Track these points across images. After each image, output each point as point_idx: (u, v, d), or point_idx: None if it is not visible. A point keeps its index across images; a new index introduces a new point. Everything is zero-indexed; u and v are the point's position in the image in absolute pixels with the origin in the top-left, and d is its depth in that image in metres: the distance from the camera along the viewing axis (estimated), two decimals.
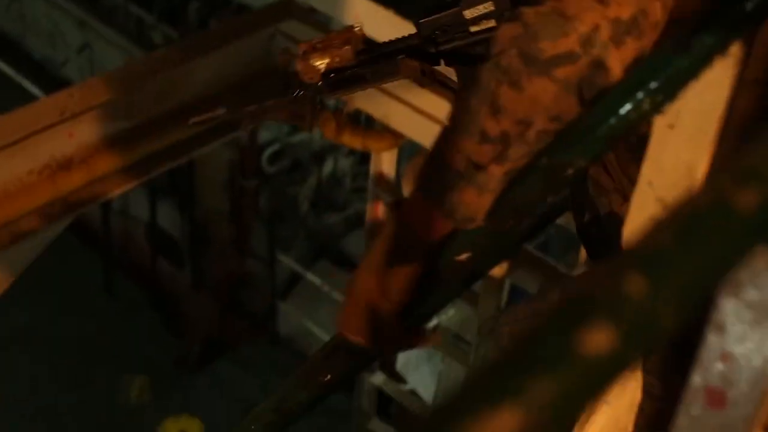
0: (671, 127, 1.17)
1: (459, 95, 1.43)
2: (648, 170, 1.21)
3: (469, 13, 1.61)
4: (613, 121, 1.19)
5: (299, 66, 1.79)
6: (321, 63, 1.80)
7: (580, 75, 1.30)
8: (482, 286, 3.31)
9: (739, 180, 0.67)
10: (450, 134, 1.40)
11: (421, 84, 1.75)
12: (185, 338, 6.34)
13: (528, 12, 1.34)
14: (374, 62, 1.76)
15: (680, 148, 1.18)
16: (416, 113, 3.30)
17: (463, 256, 1.40)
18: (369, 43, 1.79)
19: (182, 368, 6.22)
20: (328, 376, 1.67)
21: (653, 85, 1.15)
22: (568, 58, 1.30)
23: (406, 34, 1.73)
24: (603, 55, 1.31)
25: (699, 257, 0.65)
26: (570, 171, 1.25)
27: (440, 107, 3.10)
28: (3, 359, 6.23)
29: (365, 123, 3.95)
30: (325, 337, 5.73)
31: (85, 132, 3.26)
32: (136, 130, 3.38)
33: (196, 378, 6.13)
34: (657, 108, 1.16)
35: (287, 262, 5.88)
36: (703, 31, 1.11)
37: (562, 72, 1.30)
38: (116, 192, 3.34)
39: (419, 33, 1.71)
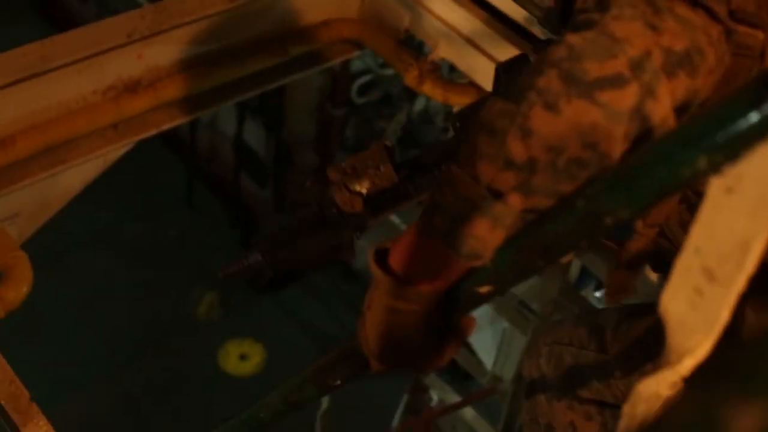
0: (729, 191, 0.99)
1: (480, 116, 1.26)
2: (697, 235, 1.03)
3: None
4: (662, 173, 1.01)
5: (338, 197, 1.60)
6: (361, 188, 1.60)
7: (626, 102, 1.19)
8: None
9: None
10: (467, 158, 1.25)
11: None
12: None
13: (573, 36, 1.20)
14: (415, 176, 1.61)
15: (737, 216, 0.99)
16: None
17: (485, 289, 1.24)
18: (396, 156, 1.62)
19: (254, 288, 6.15)
20: (338, 381, 1.60)
21: (714, 140, 0.97)
22: (616, 81, 1.19)
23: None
24: (654, 83, 1.19)
25: None
26: (609, 220, 1.07)
27: None
28: (81, 258, 6.25)
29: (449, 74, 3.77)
30: None
31: (155, 55, 3.12)
32: (208, 58, 3.24)
33: (266, 301, 6.07)
34: (715, 168, 0.98)
35: None
36: None
37: (606, 96, 1.18)
38: (180, 121, 3.21)
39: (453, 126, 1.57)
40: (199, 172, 6.57)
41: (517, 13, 3.02)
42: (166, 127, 3.21)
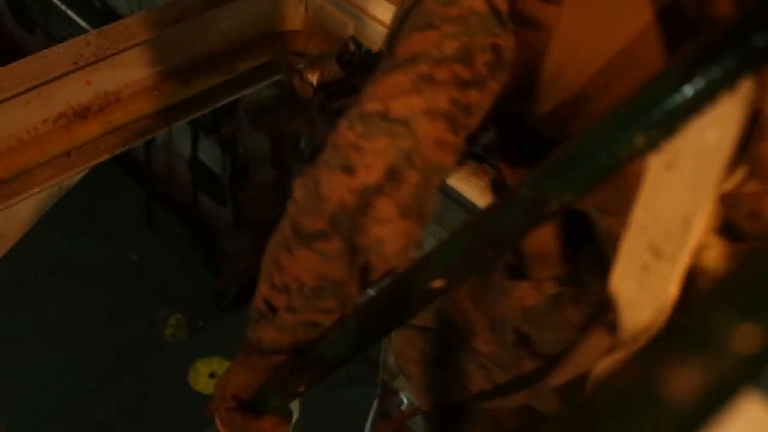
0: (668, 167, 1.01)
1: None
2: (640, 213, 1.05)
3: None
4: (601, 155, 1.03)
5: (295, 83, 1.85)
6: (313, 77, 1.87)
7: (335, 247, 1.47)
8: None
9: None
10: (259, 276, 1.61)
11: None
12: (223, 276, 6.26)
13: (299, 184, 1.51)
14: (361, 72, 1.71)
15: (677, 191, 1.02)
16: None
17: (438, 283, 1.26)
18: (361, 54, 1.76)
19: (218, 306, 6.14)
20: (302, 387, 1.60)
21: (649, 117, 0.98)
22: (322, 235, 1.47)
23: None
24: (352, 226, 1.45)
25: None
26: (553, 205, 1.09)
27: None
28: (42, 288, 6.21)
29: None
30: None
31: (103, 80, 3.12)
32: (156, 80, 3.24)
33: (232, 318, 6.06)
34: (652, 145, 0.99)
35: None
36: (709, 62, 0.94)
37: (320, 245, 1.48)
38: (132, 144, 3.21)
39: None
40: (156, 194, 6.55)
41: None
42: (118, 151, 3.21)
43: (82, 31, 5.93)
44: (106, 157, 3.16)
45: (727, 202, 1.25)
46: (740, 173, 1.36)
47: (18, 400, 5.54)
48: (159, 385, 5.79)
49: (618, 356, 1.15)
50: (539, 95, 1.57)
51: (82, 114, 3.11)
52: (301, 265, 1.51)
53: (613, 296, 1.10)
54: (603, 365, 1.16)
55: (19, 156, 3.01)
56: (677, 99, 0.95)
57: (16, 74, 2.95)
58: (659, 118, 0.98)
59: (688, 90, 0.95)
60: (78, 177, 3.20)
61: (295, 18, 3.53)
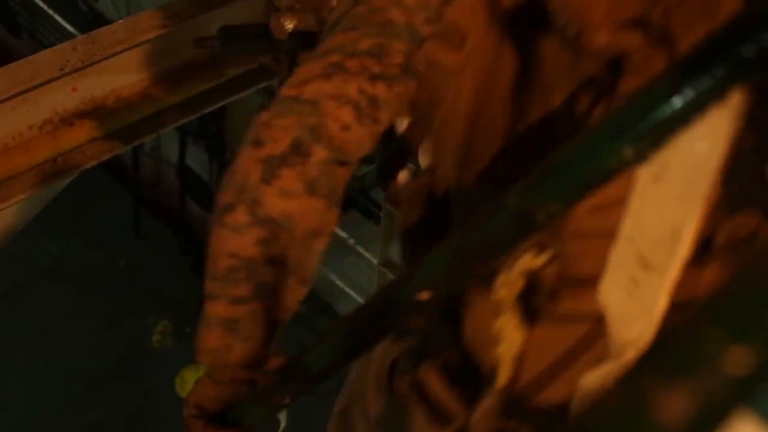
0: (657, 179, 1.00)
1: None
2: (629, 224, 1.04)
3: None
4: (589, 165, 1.01)
5: (272, 22, 1.89)
6: (289, 24, 1.91)
7: (242, 218, 1.52)
8: None
9: None
10: None
11: None
12: None
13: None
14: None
15: (666, 203, 1.00)
16: None
17: (425, 296, 1.24)
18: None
19: None
20: (287, 399, 1.59)
21: (637, 128, 0.97)
22: (229, 207, 1.53)
23: None
24: (256, 195, 1.51)
25: None
26: (541, 216, 1.07)
27: None
28: (30, 293, 6.19)
29: None
30: (349, 291, 5.63)
31: (90, 86, 3.10)
32: (143, 86, 3.22)
33: None
34: (641, 156, 0.98)
35: None
36: (699, 73, 0.92)
37: (229, 218, 1.53)
38: (119, 150, 3.19)
39: None
40: (144, 200, 6.54)
41: None
42: (105, 157, 3.19)
43: (70, 35, 5.91)
44: (92, 163, 3.14)
45: (530, 280, 1.49)
46: (546, 255, 1.49)
47: (6, 406, 5.52)
48: (146, 392, 5.77)
49: (605, 369, 1.14)
50: (433, 143, 1.68)
51: (68, 120, 3.09)
52: (217, 244, 1.56)
53: (601, 307, 1.09)
54: (590, 378, 1.15)
55: (4, 162, 2.99)
56: (666, 110, 0.94)
57: (1, 80, 2.93)
58: (648, 129, 0.97)
59: (677, 101, 0.94)
60: (64, 184, 3.19)
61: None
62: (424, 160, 1.75)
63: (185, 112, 3.32)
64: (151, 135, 3.32)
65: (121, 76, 3.16)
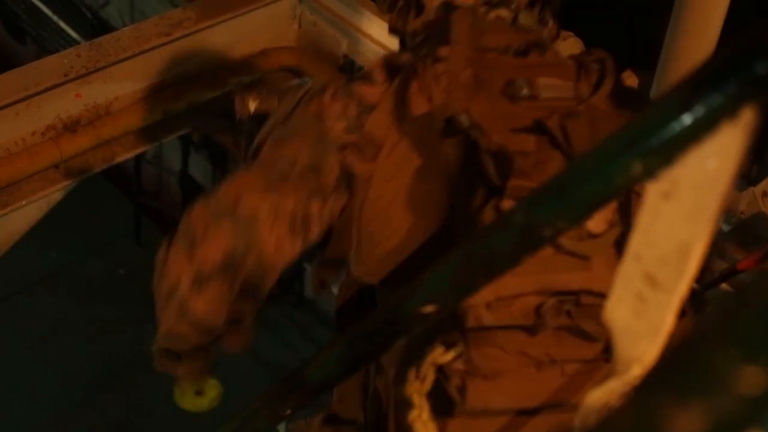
0: (666, 196, 0.99)
1: None
2: (636, 241, 1.03)
3: None
4: (596, 183, 1.01)
5: (236, 101, 1.93)
6: (252, 104, 1.95)
7: (169, 315, 1.79)
8: None
9: None
10: None
11: None
12: None
13: (163, 245, 1.78)
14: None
15: (675, 221, 0.99)
16: None
17: (429, 309, 1.23)
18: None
19: None
20: (289, 410, 1.58)
21: (648, 145, 0.96)
22: (163, 304, 1.79)
23: None
24: (184, 303, 1.73)
25: None
26: (547, 232, 1.06)
27: None
28: (31, 300, 6.16)
29: None
30: None
31: (93, 93, 3.10)
32: (147, 93, 3.22)
33: None
34: (650, 173, 0.97)
35: None
36: (710, 90, 0.91)
37: (161, 315, 1.82)
38: (122, 158, 3.19)
39: None
40: (146, 208, 6.51)
41: None
42: (107, 165, 3.19)
43: (74, 42, 5.89)
44: (95, 170, 3.14)
45: (440, 373, 1.56)
46: (455, 350, 1.55)
47: (3, 411, 5.50)
48: (146, 401, 5.74)
49: (611, 385, 1.12)
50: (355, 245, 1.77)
51: (71, 127, 3.09)
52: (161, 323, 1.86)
53: (607, 324, 1.08)
54: (596, 395, 1.14)
55: (6, 168, 2.98)
56: (676, 127, 0.93)
57: (5, 85, 2.93)
58: (657, 146, 0.96)
59: (688, 118, 0.93)
60: (67, 190, 3.18)
61: (288, 34, 3.51)
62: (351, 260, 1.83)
63: (188, 121, 3.31)
64: (154, 143, 3.31)
65: (125, 83, 3.16)
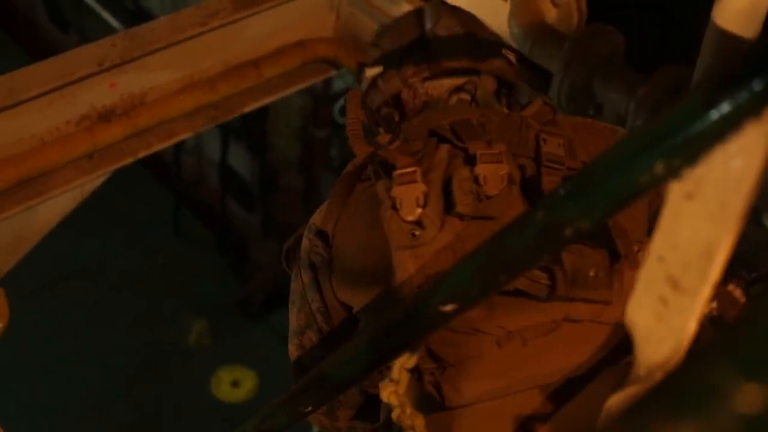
0: (690, 197, 0.95)
1: None
2: (659, 243, 0.99)
3: None
4: (618, 181, 0.97)
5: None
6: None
7: None
8: None
9: None
10: None
11: None
12: (249, 283, 6.22)
13: None
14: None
15: (698, 222, 0.96)
16: None
17: (449, 307, 1.20)
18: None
19: (243, 312, 6.10)
20: (309, 408, 1.55)
21: (672, 143, 0.93)
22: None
23: None
24: None
25: None
26: (569, 231, 1.03)
27: None
28: (69, 290, 6.20)
29: None
30: None
31: (128, 83, 3.09)
32: (182, 84, 3.21)
33: (257, 327, 6.02)
34: (674, 172, 0.94)
35: None
36: (735, 87, 0.88)
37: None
38: (156, 148, 3.18)
39: None
40: (185, 199, 6.53)
41: (497, 27, 2.98)
42: (142, 155, 3.18)
43: (116, 32, 5.92)
44: (128, 161, 3.13)
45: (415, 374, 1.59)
46: (418, 354, 1.54)
47: (39, 401, 5.53)
48: (181, 392, 5.76)
49: (632, 391, 1.09)
50: None
51: (105, 116, 3.08)
52: None
53: (629, 328, 1.05)
54: (615, 400, 1.10)
55: (40, 157, 2.98)
56: (700, 125, 0.90)
57: (39, 74, 2.93)
58: (681, 145, 0.92)
59: (712, 115, 0.89)
60: (100, 180, 3.18)
61: (326, 25, 3.49)
62: None
63: (224, 112, 3.30)
64: (189, 134, 3.30)
65: (160, 73, 3.15)
